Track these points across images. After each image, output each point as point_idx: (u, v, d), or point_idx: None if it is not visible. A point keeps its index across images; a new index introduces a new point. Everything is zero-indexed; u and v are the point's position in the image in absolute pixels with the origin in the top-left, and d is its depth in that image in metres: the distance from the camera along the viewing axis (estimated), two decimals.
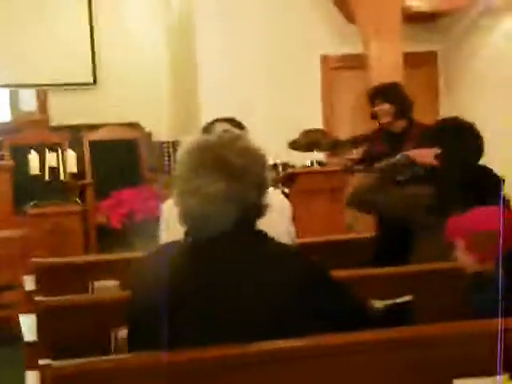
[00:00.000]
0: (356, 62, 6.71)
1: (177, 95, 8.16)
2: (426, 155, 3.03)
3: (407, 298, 2.50)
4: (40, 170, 6.72)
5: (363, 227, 5.39)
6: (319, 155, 6.08)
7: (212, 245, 1.75)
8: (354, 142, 5.86)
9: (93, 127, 7.63)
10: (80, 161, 7.27)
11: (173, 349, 1.64)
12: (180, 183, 1.79)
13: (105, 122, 7.68)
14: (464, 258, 2.36)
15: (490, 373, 1.68)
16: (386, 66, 6.06)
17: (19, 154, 6.96)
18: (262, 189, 1.82)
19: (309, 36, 7.10)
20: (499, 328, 1.73)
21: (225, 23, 7.04)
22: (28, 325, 2.67)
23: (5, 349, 4.79)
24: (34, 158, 6.70)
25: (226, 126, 1.89)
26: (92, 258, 4.71)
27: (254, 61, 7.07)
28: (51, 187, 6.77)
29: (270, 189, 1.87)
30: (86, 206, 6.98)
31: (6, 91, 7.99)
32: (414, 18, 6.65)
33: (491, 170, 3.12)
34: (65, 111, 7.75)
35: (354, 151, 5.72)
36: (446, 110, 7.19)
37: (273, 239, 1.82)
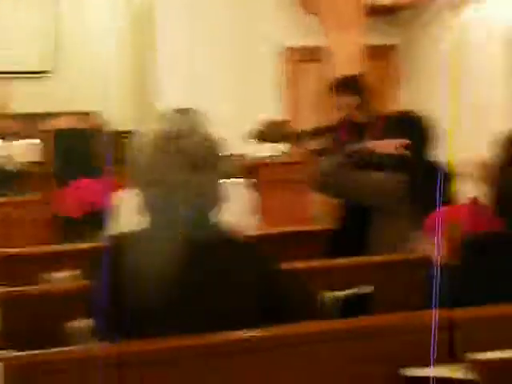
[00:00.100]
0: (317, 54, 6.73)
1: (135, 85, 8.09)
2: (388, 146, 3.07)
3: (368, 288, 2.52)
4: None
5: (328, 219, 5.41)
6: (282, 146, 6.08)
7: (172, 236, 1.74)
8: (316, 133, 5.87)
9: (51, 116, 7.52)
10: (38, 150, 7.15)
11: (137, 338, 1.63)
12: (140, 173, 1.78)
13: (63, 110, 7.57)
14: (435, 250, 2.38)
15: (438, 362, 1.70)
16: (346, 59, 6.09)
17: None
18: (222, 179, 1.81)
19: (270, 28, 7.09)
20: (438, 318, 1.75)
21: (186, 14, 6.99)
22: None
23: None
24: None
25: (186, 116, 1.87)
26: (51, 248, 4.64)
27: (215, 52, 7.04)
28: (8, 176, 6.66)
29: (231, 179, 1.86)
30: (44, 195, 6.88)
31: None
32: (374, 11, 6.70)
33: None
34: (22, 99, 7.63)
35: (317, 142, 5.74)
36: (404, 102, 7.26)
37: (230, 233, 1.83)
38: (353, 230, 3.21)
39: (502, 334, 1.79)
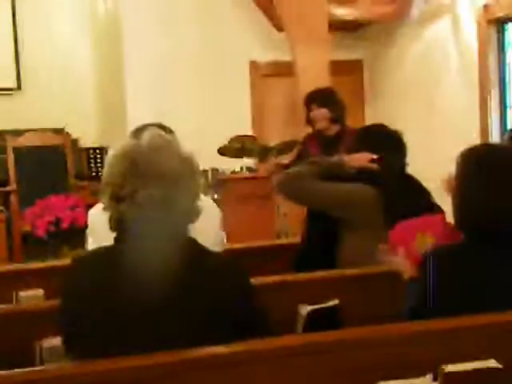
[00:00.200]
0: (285, 69, 6.77)
1: (103, 101, 8.05)
2: (361, 159, 3.08)
3: (333, 302, 2.52)
4: None
5: (293, 233, 5.43)
6: (249, 161, 6.09)
7: (143, 252, 1.73)
8: (283, 148, 5.90)
9: (17, 133, 7.45)
10: (3, 167, 7.08)
11: (108, 356, 1.62)
12: (110, 189, 1.76)
13: (30, 127, 7.50)
14: (401, 264, 2.40)
15: (415, 375, 1.71)
16: (313, 74, 6.13)
17: None
18: (194, 194, 1.81)
19: (238, 42, 7.12)
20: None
21: (153, 28, 6.98)
22: None
23: None
24: None
25: (156, 131, 1.87)
26: (16, 266, 4.58)
27: (182, 66, 7.04)
28: None
29: (201, 195, 1.86)
30: (10, 213, 6.81)
31: None
32: (339, 27, 6.76)
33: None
34: None
35: (284, 157, 5.76)
36: (370, 118, 7.34)
37: (203, 247, 1.82)
38: (319, 244, 3.18)
39: (472, 344, 1.82)
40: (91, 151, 7.65)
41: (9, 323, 2.34)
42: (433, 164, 4.95)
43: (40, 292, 2.78)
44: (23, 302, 2.73)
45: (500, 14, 5.74)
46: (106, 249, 1.81)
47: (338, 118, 4.69)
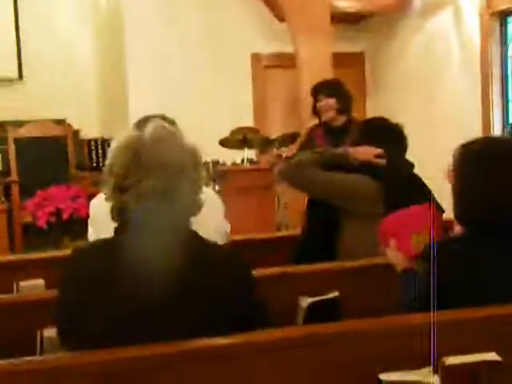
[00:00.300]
0: (287, 61, 6.76)
1: (105, 92, 8.04)
2: (366, 153, 3.08)
3: (334, 294, 2.53)
4: None
5: (293, 226, 5.43)
6: (250, 153, 6.09)
7: (143, 244, 1.72)
8: (285, 139, 5.90)
9: (18, 124, 7.44)
10: (5, 158, 7.08)
11: (107, 347, 1.62)
12: (113, 179, 1.76)
13: (31, 118, 7.50)
14: (394, 256, 2.40)
15: (415, 366, 1.72)
16: (316, 66, 6.12)
17: None
18: (197, 186, 1.81)
19: (239, 33, 7.11)
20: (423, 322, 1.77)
21: (155, 19, 6.97)
22: None
23: None
24: None
25: (159, 122, 1.86)
26: (17, 257, 4.59)
27: (184, 58, 7.03)
28: None
29: (203, 186, 1.85)
30: (11, 204, 6.81)
31: None
32: (340, 19, 6.74)
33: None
34: None
35: (285, 149, 5.76)
36: (371, 110, 7.33)
37: (205, 240, 1.81)
38: (319, 232, 3.18)
39: (473, 337, 1.82)
40: (92, 142, 7.64)
41: (10, 313, 2.34)
42: (433, 157, 4.94)
43: (41, 282, 2.78)
44: (24, 292, 2.74)
45: (503, 7, 5.73)
46: (106, 240, 1.81)
47: (345, 108, 4.67)
